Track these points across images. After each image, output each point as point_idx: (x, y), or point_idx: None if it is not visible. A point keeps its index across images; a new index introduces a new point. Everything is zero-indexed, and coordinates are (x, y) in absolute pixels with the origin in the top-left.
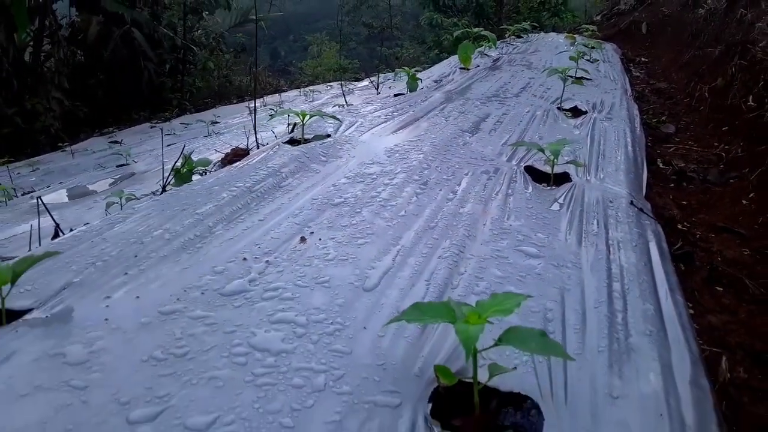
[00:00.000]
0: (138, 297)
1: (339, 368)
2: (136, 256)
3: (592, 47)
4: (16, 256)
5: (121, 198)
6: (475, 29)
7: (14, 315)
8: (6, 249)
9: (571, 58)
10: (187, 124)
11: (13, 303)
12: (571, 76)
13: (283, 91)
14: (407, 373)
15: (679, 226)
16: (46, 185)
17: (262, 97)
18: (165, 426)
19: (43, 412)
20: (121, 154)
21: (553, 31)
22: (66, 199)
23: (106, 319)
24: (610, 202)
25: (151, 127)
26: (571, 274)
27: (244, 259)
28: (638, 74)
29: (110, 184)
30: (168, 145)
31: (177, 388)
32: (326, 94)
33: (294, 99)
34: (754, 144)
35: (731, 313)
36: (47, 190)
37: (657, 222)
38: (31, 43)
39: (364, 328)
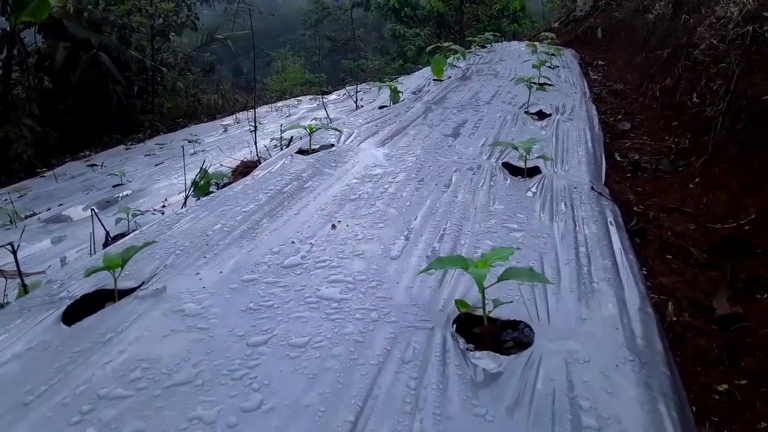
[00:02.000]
0: (221, 272)
1: (385, 308)
2: (207, 245)
3: (552, 54)
4: (40, 272)
5: (127, 213)
6: (446, 43)
7: (122, 293)
8: (26, 266)
9: (533, 66)
10: (163, 144)
11: (119, 284)
12: (535, 83)
13: (252, 107)
14: (433, 309)
15: (635, 208)
16: (45, 208)
17: (233, 114)
18: (276, 346)
19: (184, 344)
20: (116, 174)
21: (514, 38)
22: (73, 218)
23: (204, 287)
24: (575, 188)
25: (126, 149)
26: (547, 242)
27: (293, 242)
28: (596, 77)
29: (113, 203)
30: (156, 165)
31: (274, 324)
32: (300, 109)
33: (266, 115)
34: (699, 136)
35: (679, 275)
36: (49, 213)
37: (614, 203)
38: (0, 71)
39: (397, 283)
